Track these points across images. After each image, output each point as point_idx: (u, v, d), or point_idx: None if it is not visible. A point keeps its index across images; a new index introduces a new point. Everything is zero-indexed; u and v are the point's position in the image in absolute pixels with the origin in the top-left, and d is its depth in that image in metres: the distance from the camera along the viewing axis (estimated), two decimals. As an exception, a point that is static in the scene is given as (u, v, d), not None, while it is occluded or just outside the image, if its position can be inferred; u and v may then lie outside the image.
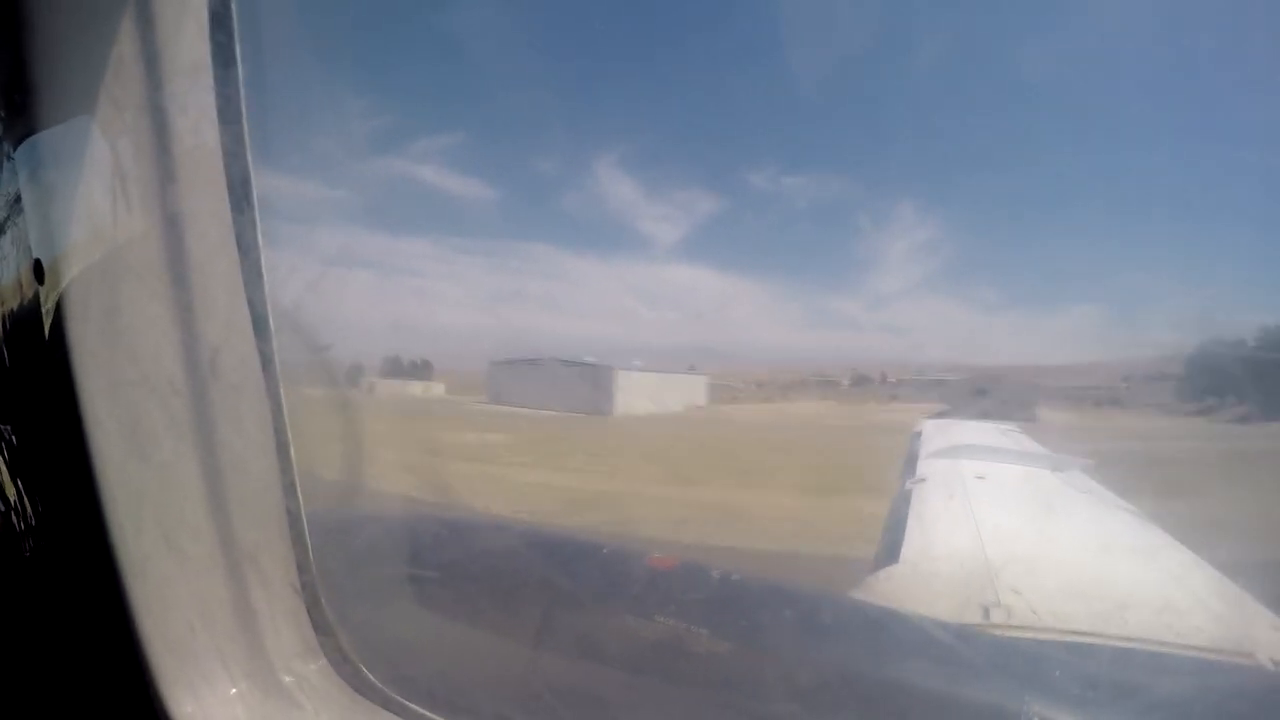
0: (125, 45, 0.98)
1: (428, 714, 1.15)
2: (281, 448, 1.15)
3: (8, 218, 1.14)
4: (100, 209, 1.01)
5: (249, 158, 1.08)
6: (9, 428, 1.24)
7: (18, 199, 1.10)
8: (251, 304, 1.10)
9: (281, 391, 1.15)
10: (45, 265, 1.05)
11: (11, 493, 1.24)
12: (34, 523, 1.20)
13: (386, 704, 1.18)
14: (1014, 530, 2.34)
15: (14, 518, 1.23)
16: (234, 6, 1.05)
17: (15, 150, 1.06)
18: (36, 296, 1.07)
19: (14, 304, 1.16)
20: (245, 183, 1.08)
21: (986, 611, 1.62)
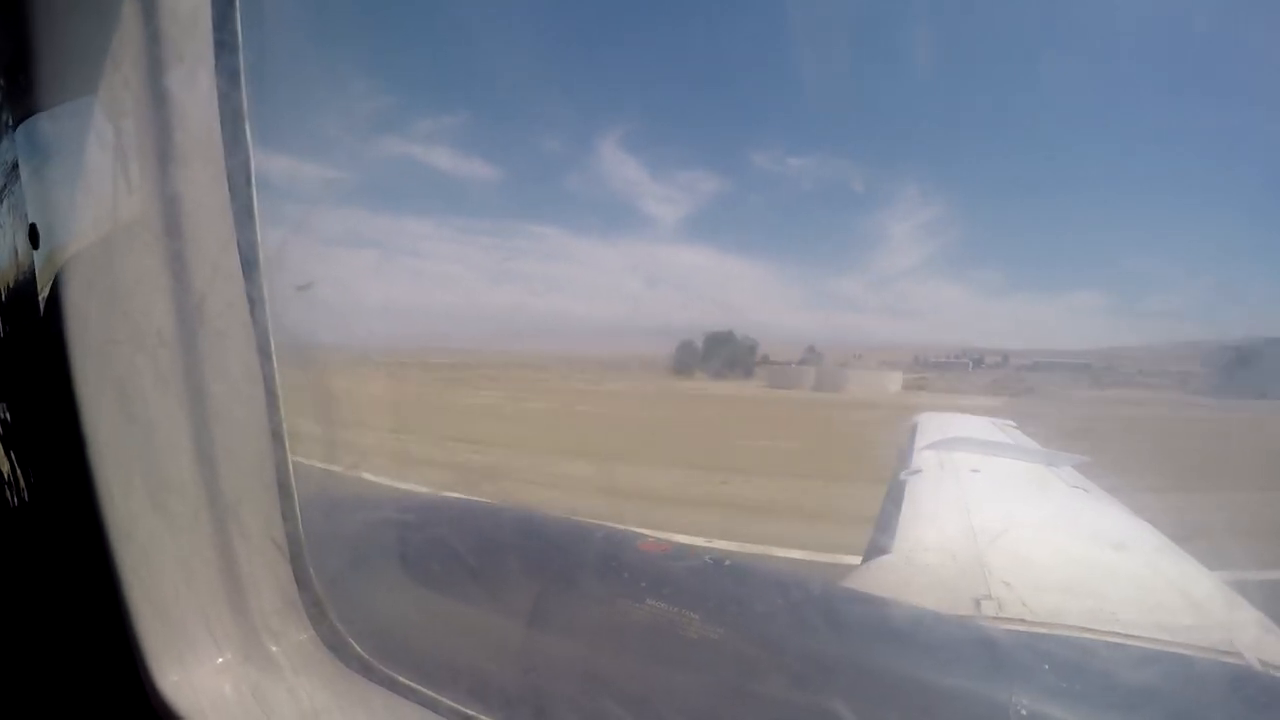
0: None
1: (415, 686, 1.16)
2: (270, 395, 1.15)
3: (5, 186, 1.13)
4: (96, 167, 1.02)
5: (244, 106, 1.08)
6: (4, 405, 1.24)
7: (14, 168, 1.09)
8: (240, 247, 1.10)
9: (271, 337, 1.14)
10: (41, 229, 1.04)
11: (4, 467, 1.24)
12: (28, 498, 1.21)
13: (373, 675, 1.19)
14: (1007, 524, 2.35)
15: (8, 493, 1.23)
16: None
17: (15, 118, 1.05)
18: (32, 267, 1.07)
19: (10, 278, 1.16)
20: (238, 126, 1.07)
21: (978, 603, 1.63)
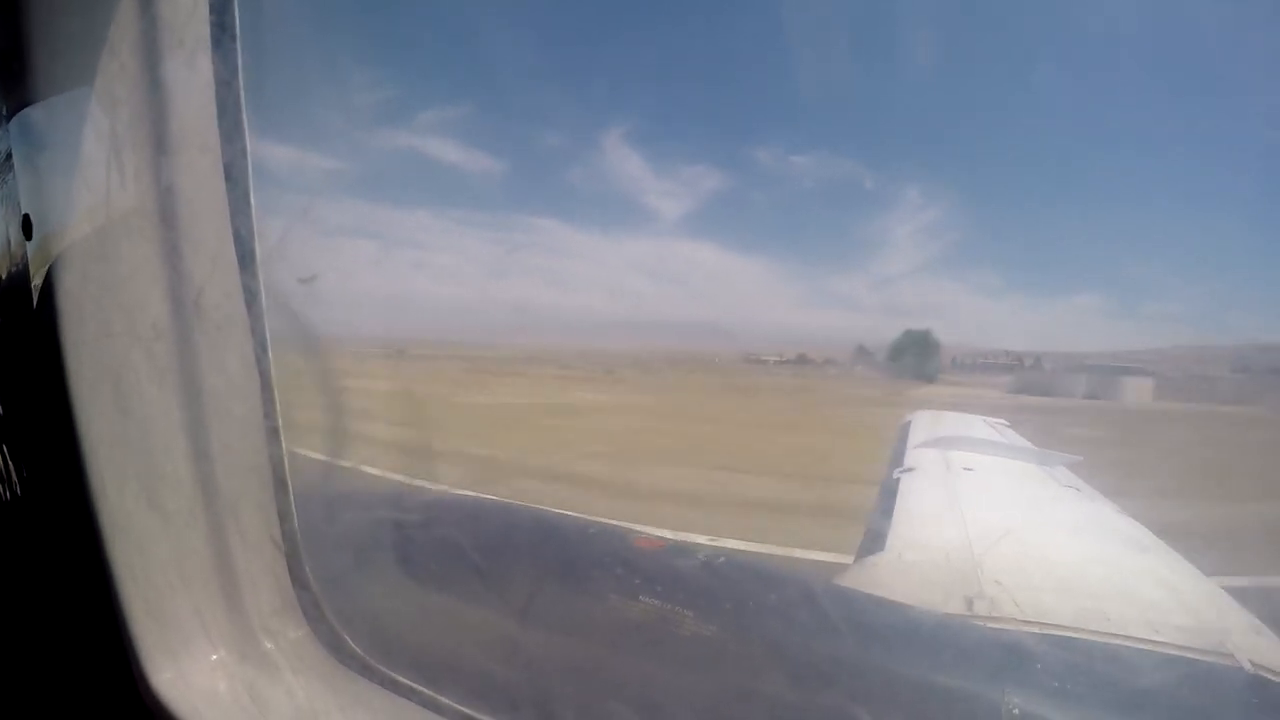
0: None
1: (410, 683, 1.15)
2: (267, 390, 1.14)
3: None
4: (92, 157, 1.00)
5: (242, 96, 1.06)
6: None
7: (8, 158, 1.07)
8: (238, 239, 1.08)
9: (268, 330, 1.12)
10: (34, 220, 1.03)
11: None
12: (20, 492, 1.19)
13: (368, 673, 1.18)
14: (1000, 523, 2.36)
15: (0, 487, 1.22)
16: None
17: (9, 109, 1.04)
18: (24, 258, 1.06)
19: (1, 270, 1.15)
20: (236, 116, 1.06)
21: (970, 602, 1.64)
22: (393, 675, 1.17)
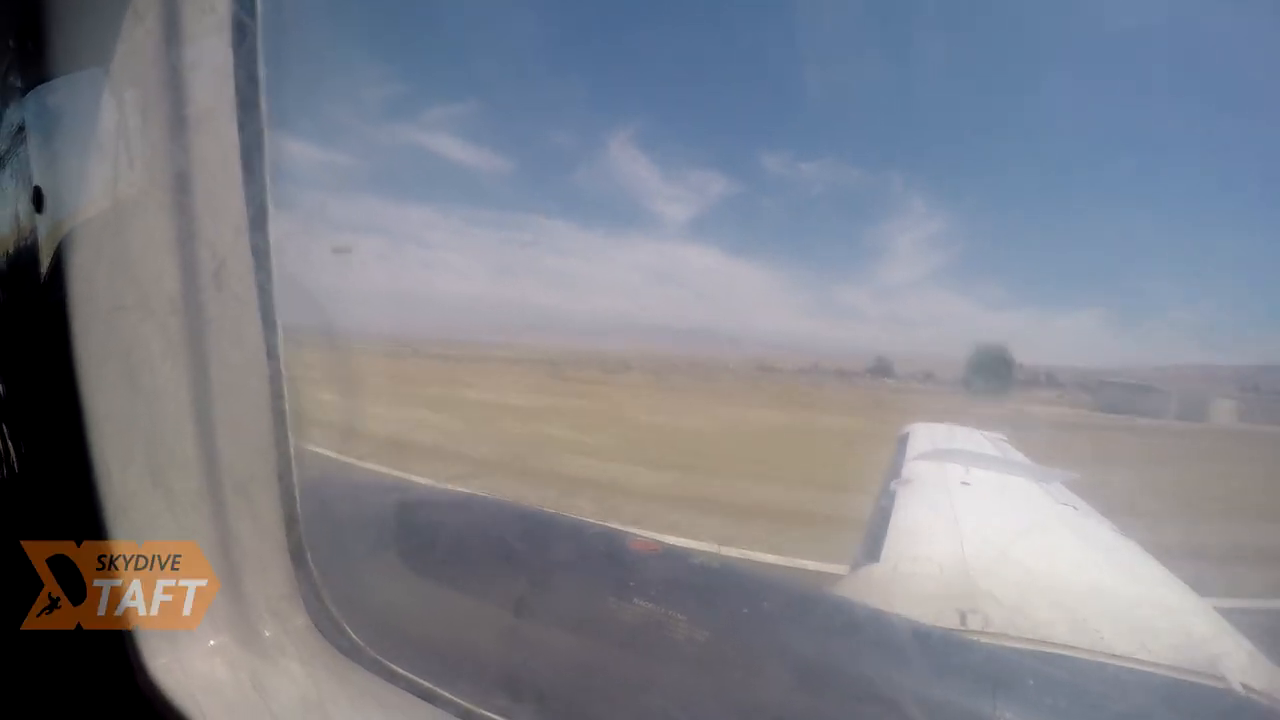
0: None
1: (407, 674, 1.15)
2: (276, 375, 1.13)
3: (9, 150, 1.11)
4: (108, 130, 0.99)
5: (259, 68, 1.06)
6: None
7: (20, 130, 1.07)
8: (255, 216, 1.07)
9: (277, 316, 1.12)
10: (46, 192, 1.02)
11: None
12: (18, 469, 1.19)
13: (367, 663, 1.18)
14: (995, 538, 2.36)
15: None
16: None
17: (27, 82, 1.03)
18: (34, 231, 1.05)
19: (10, 243, 1.14)
20: (253, 89, 1.06)
21: (963, 616, 1.64)
22: (390, 665, 1.16)
